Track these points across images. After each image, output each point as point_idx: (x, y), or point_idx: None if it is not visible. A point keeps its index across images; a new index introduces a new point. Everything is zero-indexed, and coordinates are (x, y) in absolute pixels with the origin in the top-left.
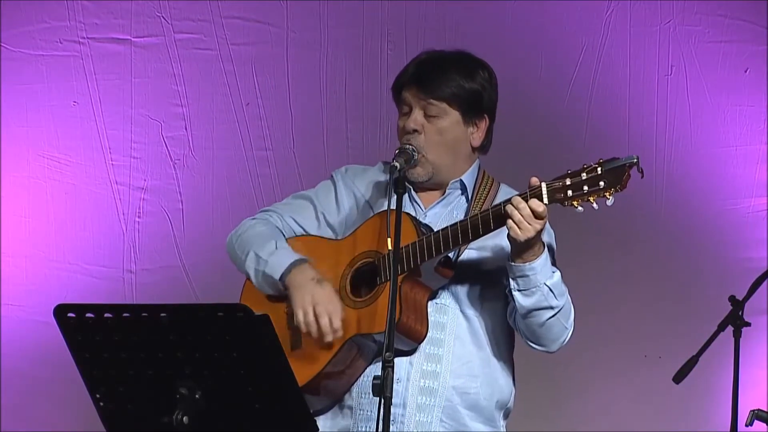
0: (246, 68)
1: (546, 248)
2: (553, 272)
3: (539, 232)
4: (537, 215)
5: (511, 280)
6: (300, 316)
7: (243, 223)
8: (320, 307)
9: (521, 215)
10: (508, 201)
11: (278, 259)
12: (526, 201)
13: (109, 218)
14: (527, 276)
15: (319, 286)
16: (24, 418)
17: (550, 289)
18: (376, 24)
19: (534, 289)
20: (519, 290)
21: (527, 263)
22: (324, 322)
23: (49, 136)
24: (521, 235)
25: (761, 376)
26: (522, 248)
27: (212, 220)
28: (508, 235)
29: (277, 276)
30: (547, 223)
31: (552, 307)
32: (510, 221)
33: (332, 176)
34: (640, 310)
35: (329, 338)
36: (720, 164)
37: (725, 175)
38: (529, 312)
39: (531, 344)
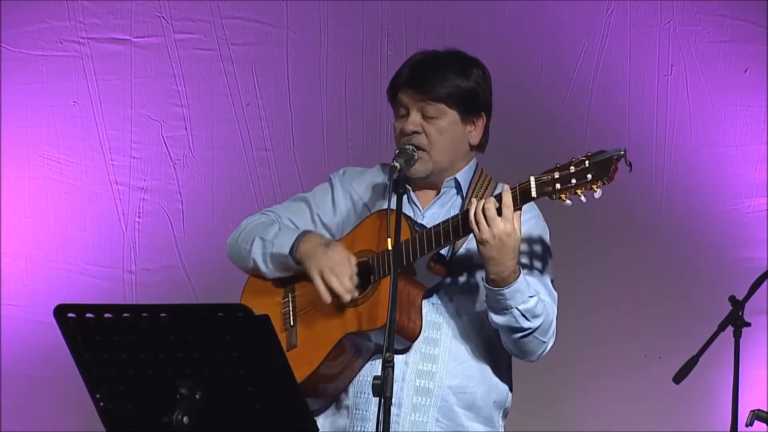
0: (246, 68)
1: (521, 275)
2: (530, 297)
3: (503, 242)
4: (491, 216)
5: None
6: (317, 283)
7: (243, 221)
8: (328, 271)
9: (474, 211)
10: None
11: (284, 236)
12: (516, 195)
13: (109, 218)
14: (497, 299)
15: (328, 249)
16: (24, 418)
17: (522, 314)
18: (376, 24)
19: (505, 311)
20: (490, 307)
21: (498, 288)
22: (335, 284)
23: (49, 136)
24: (478, 235)
25: (761, 376)
26: (489, 262)
27: (212, 220)
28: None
29: (286, 251)
30: (541, 219)
31: (523, 329)
32: (471, 220)
33: (330, 178)
34: (639, 310)
35: (346, 297)
36: (720, 164)
37: (725, 175)
38: (501, 328)
39: (510, 353)
